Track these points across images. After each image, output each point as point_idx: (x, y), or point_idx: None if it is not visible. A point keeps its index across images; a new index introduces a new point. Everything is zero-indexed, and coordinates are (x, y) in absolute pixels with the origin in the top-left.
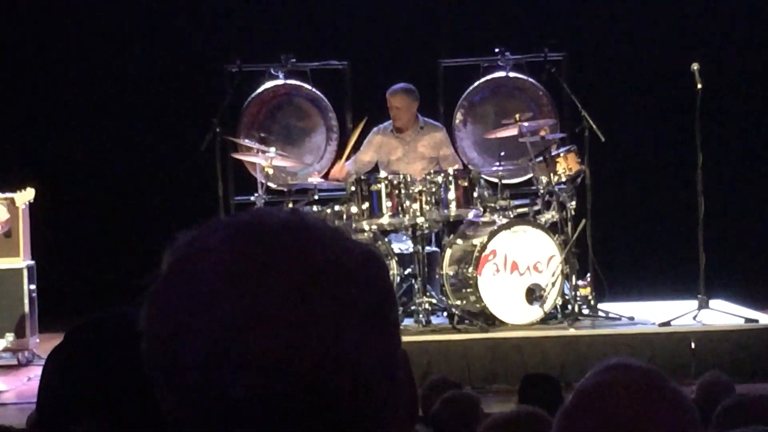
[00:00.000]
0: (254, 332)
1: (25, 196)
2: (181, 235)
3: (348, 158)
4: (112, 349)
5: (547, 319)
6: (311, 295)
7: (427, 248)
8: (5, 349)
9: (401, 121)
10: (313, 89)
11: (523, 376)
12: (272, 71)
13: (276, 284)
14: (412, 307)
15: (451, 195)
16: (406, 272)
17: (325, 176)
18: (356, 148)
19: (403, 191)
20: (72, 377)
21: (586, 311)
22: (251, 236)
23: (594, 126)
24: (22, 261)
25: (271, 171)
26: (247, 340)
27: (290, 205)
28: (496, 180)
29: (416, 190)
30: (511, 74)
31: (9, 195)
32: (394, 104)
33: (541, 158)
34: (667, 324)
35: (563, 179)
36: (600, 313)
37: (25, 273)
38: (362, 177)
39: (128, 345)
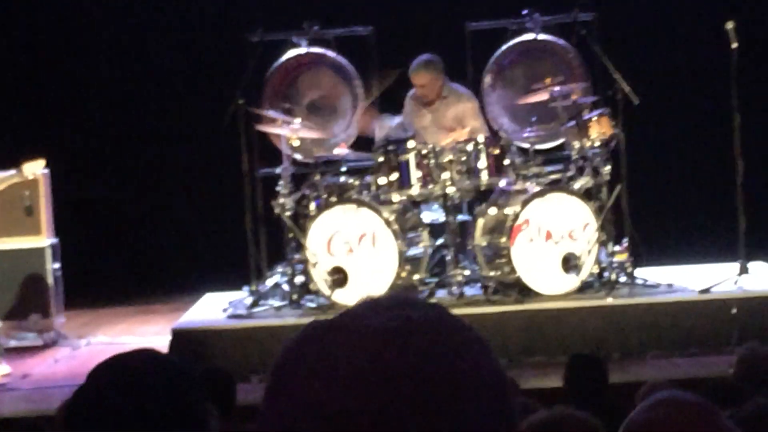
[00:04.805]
0: None
1: (35, 166)
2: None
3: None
4: (137, 389)
5: (583, 288)
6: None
7: (459, 217)
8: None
9: (428, 98)
10: (338, 56)
11: (570, 356)
12: (294, 40)
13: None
14: (445, 279)
15: (482, 163)
16: (438, 243)
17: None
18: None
19: (432, 161)
20: (97, 417)
21: (623, 279)
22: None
23: (627, 88)
24: (45, 239)
25: (296, 143)
26: None
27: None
28: (527, 146)
29: (446, 159)
30: (540, 36)
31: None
32: (417, 83)
33: (573, 123)
34: (706, 291)
35: (596, 144)
36: (638, 281)
37: (49, 252)
38: (390, 147)
39: (152, 384)
